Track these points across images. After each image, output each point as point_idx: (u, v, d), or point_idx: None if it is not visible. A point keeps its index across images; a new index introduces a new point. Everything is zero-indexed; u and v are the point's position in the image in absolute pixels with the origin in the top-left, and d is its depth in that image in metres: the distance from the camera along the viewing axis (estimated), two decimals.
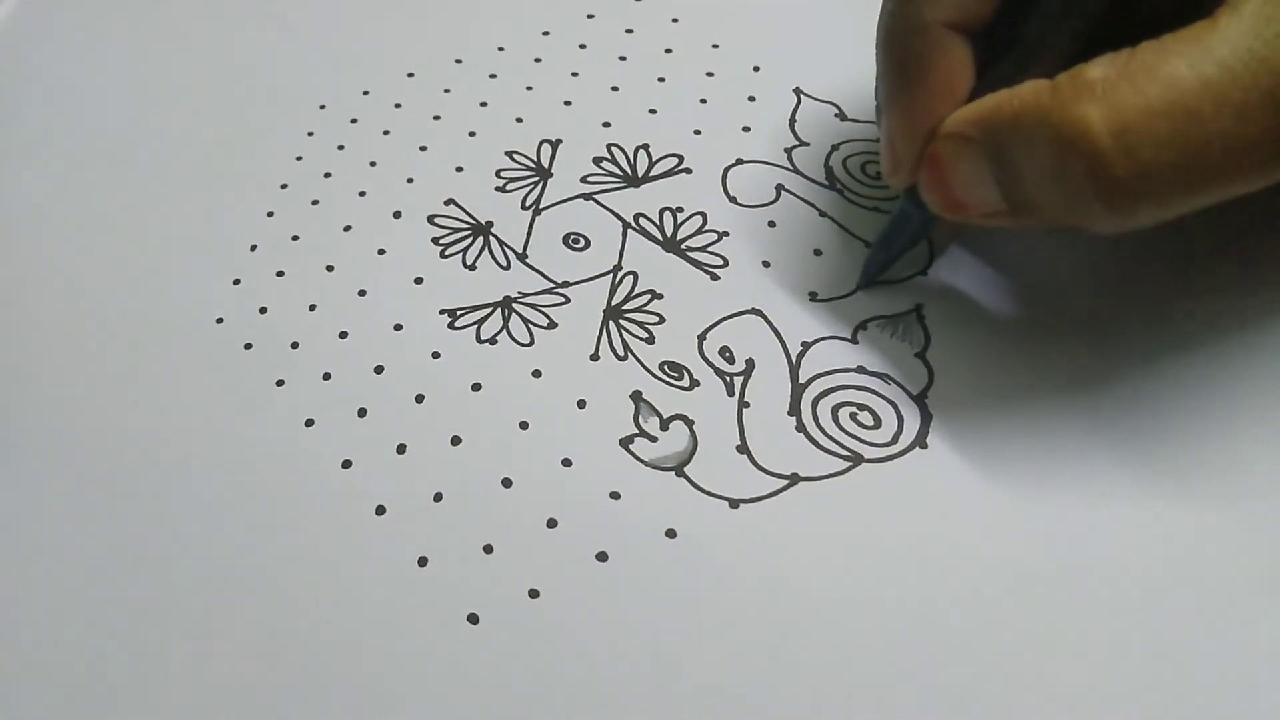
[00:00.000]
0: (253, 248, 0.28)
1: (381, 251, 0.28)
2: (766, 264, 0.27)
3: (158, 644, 0.22)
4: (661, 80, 0.31)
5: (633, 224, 0.28)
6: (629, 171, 0.29)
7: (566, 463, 0.24)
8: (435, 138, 0.30)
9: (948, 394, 0.25)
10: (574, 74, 0.32)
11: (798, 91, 0.31)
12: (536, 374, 0.25)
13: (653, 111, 0.31)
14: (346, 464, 0.24)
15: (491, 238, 0.28)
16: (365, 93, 0.32)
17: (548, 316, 0.26)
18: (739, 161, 0.29)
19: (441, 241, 0.28)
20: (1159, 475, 0.23)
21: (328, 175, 0.30)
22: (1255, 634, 0.21)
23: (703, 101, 0.31)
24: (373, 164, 0.30)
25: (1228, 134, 0.18)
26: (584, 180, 0.29)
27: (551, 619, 0.22)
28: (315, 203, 0.29)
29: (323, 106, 0.31)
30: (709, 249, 0.28)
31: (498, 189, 0.29)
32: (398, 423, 0.25)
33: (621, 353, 0.26)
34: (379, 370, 0.26)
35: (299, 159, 0.30)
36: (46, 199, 0.29)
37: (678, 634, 0.22)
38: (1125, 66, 0.19)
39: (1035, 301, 0.26)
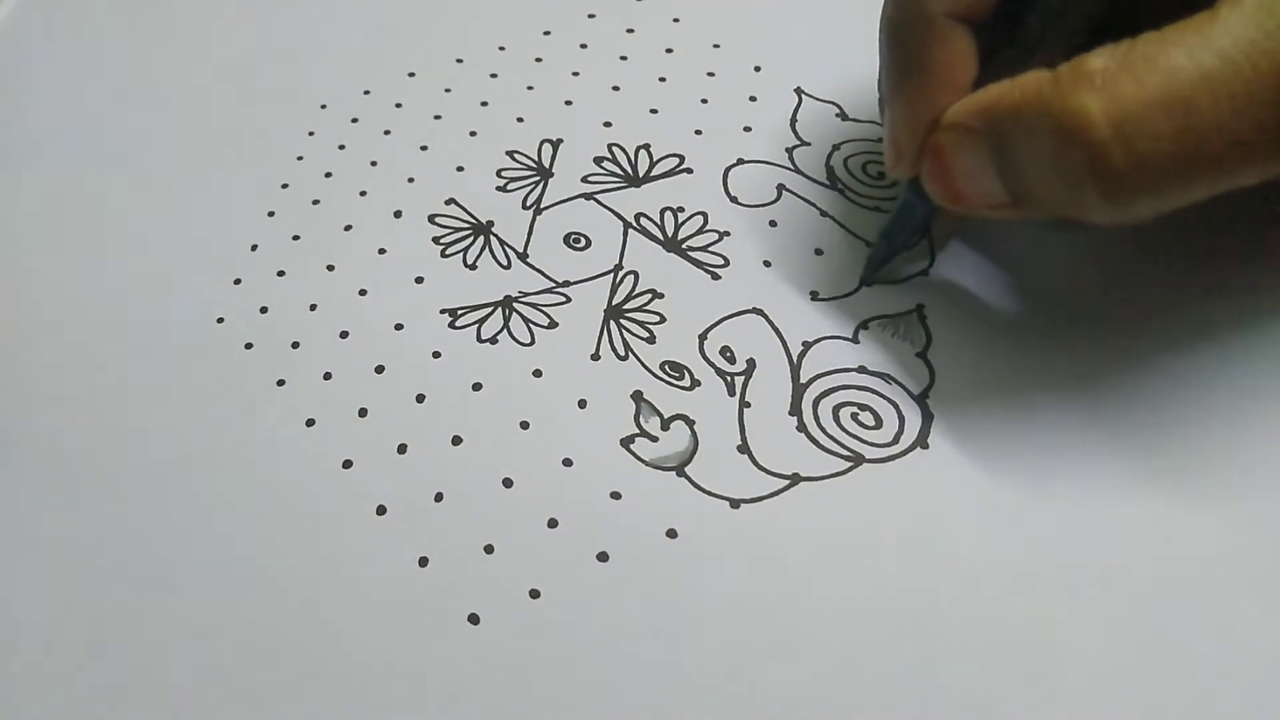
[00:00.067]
0: (253, 247, 0.28)
1: (382, 251, 0.28)
2: (767, 263, 0.27)
3: (158, 644, 0.22)
4: (662, 80, 0.31)
5: (633, 224, 0.28)
6: (630, 171, 0.29)
7: (567, 462, 0.24)
8: (436, 137, 0.30)
9: (949, 394, 0.25)
10: (575, 74, 0.32)
11: (799, 91, 0.31)
12: (537, 374, 0.25)
13: (654, 111, 0.31)
14: (347, 464, 0.24)
15: (492, 237, 0.28)
16: (366, 92, 0.32)
17: (548, 316, 0.26)
18: (740, 161, 0.29)
19: (442, 241, 0.28)
20: (1160, 475, 0.23)
21: (328, 175, 0.30)
22: (1256, 634, 0.21)
23: (704, 101, 0.31)
24: (374, 163, 0.30)
25: (1226, 125, 0.18)
26: (585, 180, 0.29)
27: (552, 619, 0.22)
28: (316, 202, 0.29)
29: (324, 106, 0.31)
30: (710, 249, 0.27)
31: (499, 189, 0.29)
32: (398, 423, 0.25)
33: (622, 352, 0.26)
34: (380, 370, 0.26)
35: (300, 159, 0.30)
36: (46, 199, 0.29)
37: (678, 634, 0.22)
38: (1125, 57, 0.19)
39: (1037, 301, 0.26)
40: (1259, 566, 0.22)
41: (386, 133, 0.30)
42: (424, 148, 0.30)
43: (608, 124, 0.30)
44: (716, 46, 0.32)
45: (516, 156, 0.30)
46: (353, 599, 0.22)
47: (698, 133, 0.30)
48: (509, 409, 0.25)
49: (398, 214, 0.29)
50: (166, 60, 0.33)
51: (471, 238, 0.28)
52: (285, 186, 0.29)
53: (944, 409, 0.24)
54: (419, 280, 0.27)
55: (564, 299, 0.27)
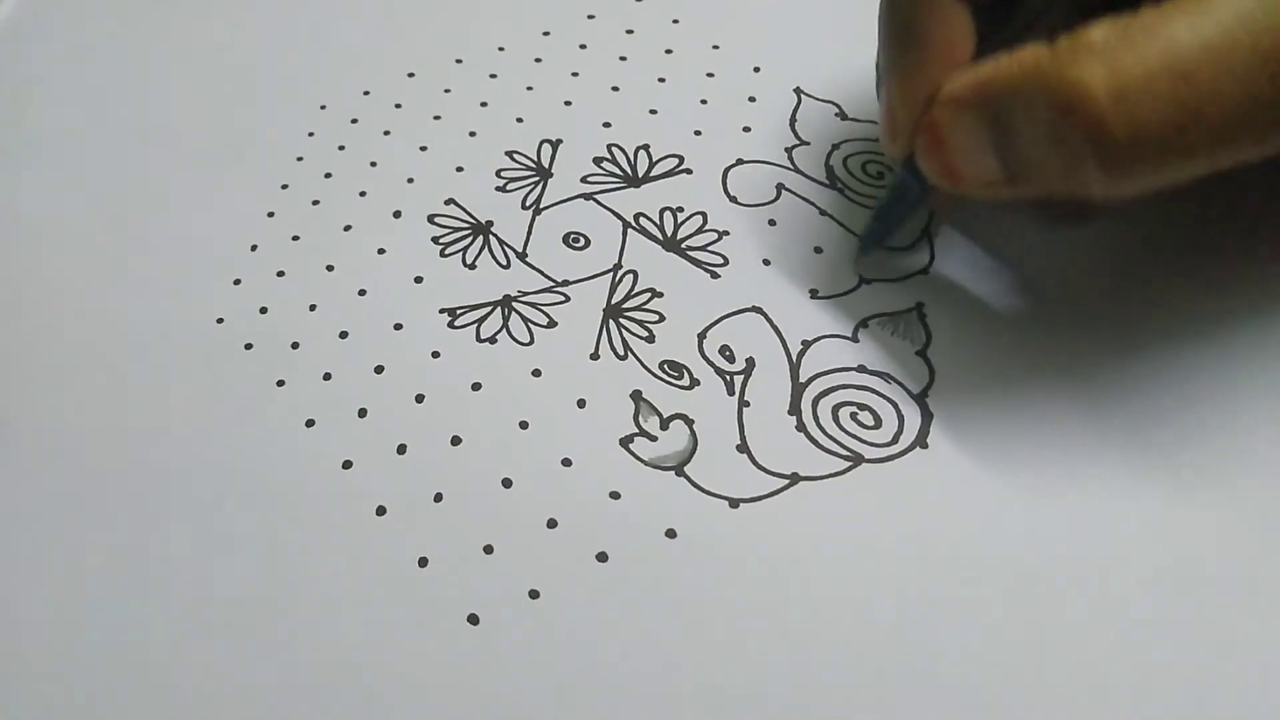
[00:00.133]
0: (253, 248, 0.28)
1: (381, 251, 0.28)
2: (767, 262, 0.27)
3: (157, 644, 0.22)
4: (662, 80, 0.31)
5: (633, 223, 0.28)
6: (629, 172, 0.29)
7: (566, 462, 0.24)
8: (435, 137, 0.30)
9: (949, 392, 0.25)
10: (574, 74, 0.32)
11: (798, 91, 0.31)
12: (536, 373, 0.25)
13: (653, 112, 0.31)
14: (347, 464, 0.24)
15: (491, 237, 0.28)
16: (366, 93, 0.32)
17: (548, 315, 0.26)
18: (739, 161, 0.29)
19: (441, 241, 0.28)
20: (1160, 474, 0.23)
21: (328, 175, 0.30)
22: (1256, 634, 0.21)
23: (703, 102, 0.31)
24: (373, 164, 0.30)
25: (1225, 96, 0.18)
26: (584, 180, 0.29)
27: (551, 619, 0.22)
28: (316, 203, 0.29)
29: (323, 106, 0.31)
30: (709, 248, 0.27)
31: (498, 189, 0.29)
32: (398, 423, 0.25)
33: (621, 352, 0.26)
34: (379, 370, 0.26)
35: (299, 159, 0.30)
36: (46, 199, 0.29)
37: (678, 634, 0.22)
38: (1125, 30, 0.19)
39: (1037, 300, 0.26)
40: (1259, 566, 0.22)
41: (386, 133, 0.31)
42: (423, 148, 0.30)
43: (607, 124, 0.30)
44: (716, 47, 0.32)
45: (516, 157, 0.30)
46: (352, 599, 0.22)
47: (697, 133, 0.30)
48: (508, 409, 0.25)
49: (397, 214, 0.29)
50: (166, 60, 0.33)
51: (471, 237, 0.28)
52: (285, 187, 0.29)
53: (944, 408, 0.24)
54: (418, 280, 0.27)
55: (563, 298, 0.27)
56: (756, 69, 0.31)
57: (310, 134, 0.31)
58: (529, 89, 0.31)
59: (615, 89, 0.31)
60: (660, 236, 0.28)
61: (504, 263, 0.27)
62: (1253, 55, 0.18)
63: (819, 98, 0.30)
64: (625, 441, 0.24)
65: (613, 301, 0.27)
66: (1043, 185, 0.21)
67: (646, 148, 0.30)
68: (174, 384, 0.26)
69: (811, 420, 0.24)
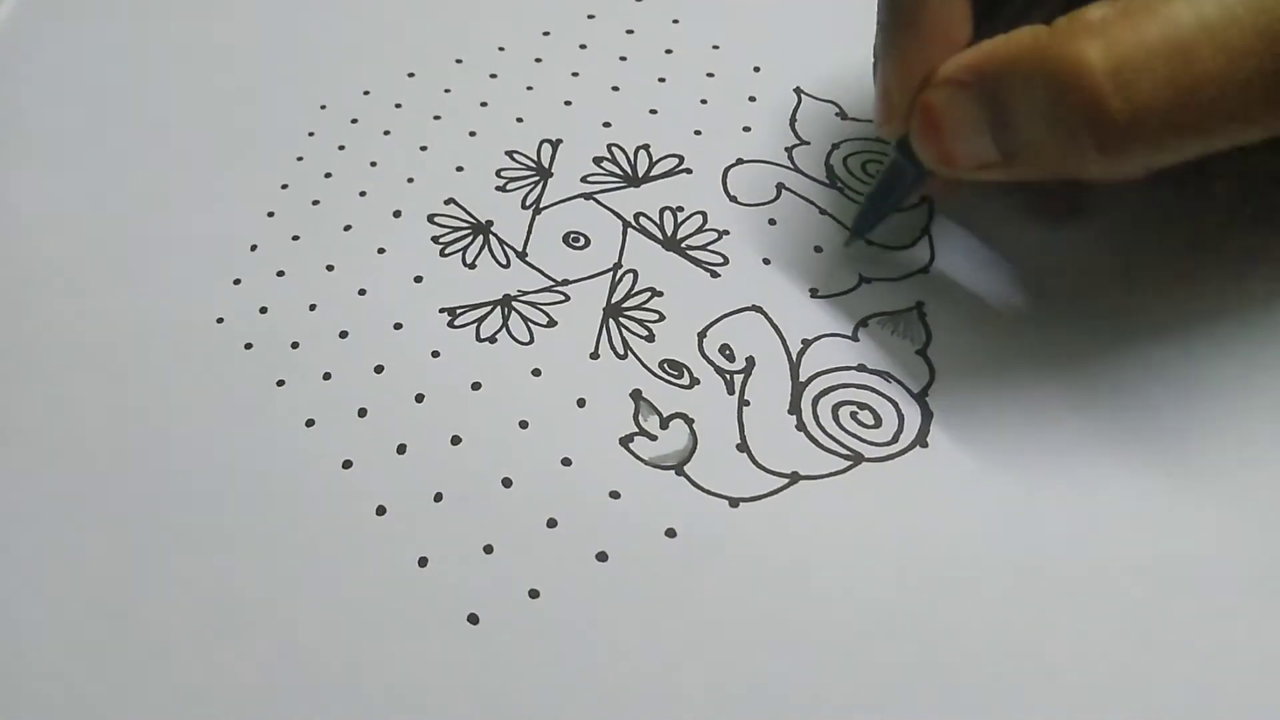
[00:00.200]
0: (253, 248, 0.28)
1: (381, 251, 0.28)
2: (767, 261, 0.27)
3: (157, 644, 0.22)
4: (662, 80, 0.31)
5: (633, 223, 0.28)
6: (629, 171, 0.29)
7: (566, 462, 0.24)
8: (435, 137, 0.30)
9: (949, 391, 0.24)
10: (574, 74, 0.32)
11: (798, 91, 0.31)
12: (536, 373, 0.25)
13: (653, 112, 0.31)
14: (347, 464, 0.24)
15: (491, 236, 0.28)
16: (366, 93, 0.32)
17: (547, 315, 0.26)
18: (739, 161, 0.29)
19: (441, 240, 0.28)
20: (1161, 473, 0.23)
21: (328, 175, 0.30)
22: (1258, 633, 0.21)
23: (703, 102, 0.31)
24: (373, 164, 0.30)
25: (1223, 75, 0.18)
26: (584, 180, 0.29)
27: (551, 619, 0.22)
28: (316, 203, 0.29)
29: (323, 106, 0.31)
30: (709, 247, 0.27)
31: (498, 188, 0.29)
32: (398, 422, 0.25)
33: (621, 351, 0.26)
34: (379, 370, 0.26)
35: (300, 159, 0.30)
36: (46, 199, 0.29)
37: (678, 634, 0.22)
38: (1125, 8, 0.19)
39: (1037, 299, 0.26)
40: (1259, 565, 0.22)
41: (386, 133, 0.31)
42: (423, 148, 0.30)
43: (607, 124, 0.30)
44: (716, 47, 0.32)
45: (516, 156, 0.30)
46: (352, 599, 0.22)
47: (697, 133, 0.30)
48: (508, 408, 0.25)
49: (397, 214, 0.29)
50: (166, 60, 0.33)
51: (471, 237, 0.28)
52: (285, 187, 0.29)
53: (944, 407, 0.24)
54: (418, 280, 0.27)
55: (563, 298, 0.27)
56: (756, 69, 0.31)
57: (310, 134, 0.31)
58: (529, 89, 0.31)
59: (615, 89, 0.31)
60: (660, 236, 0.28)
61: (504, 262, 0.27)
62: (1252, 34, 0.18)
63: (819, 97, 0.30)
64: (625, 441, 0.24)
65: (613, 301, 0.27)
66: (1039, 167, 0.21)
67: (646, 147, 0.30)
68: (174, 384, 0.26)
69: (811, 419, 0.24)
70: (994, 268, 0.26)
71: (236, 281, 0.27)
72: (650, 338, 0.26)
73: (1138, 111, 0.19)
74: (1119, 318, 0.25)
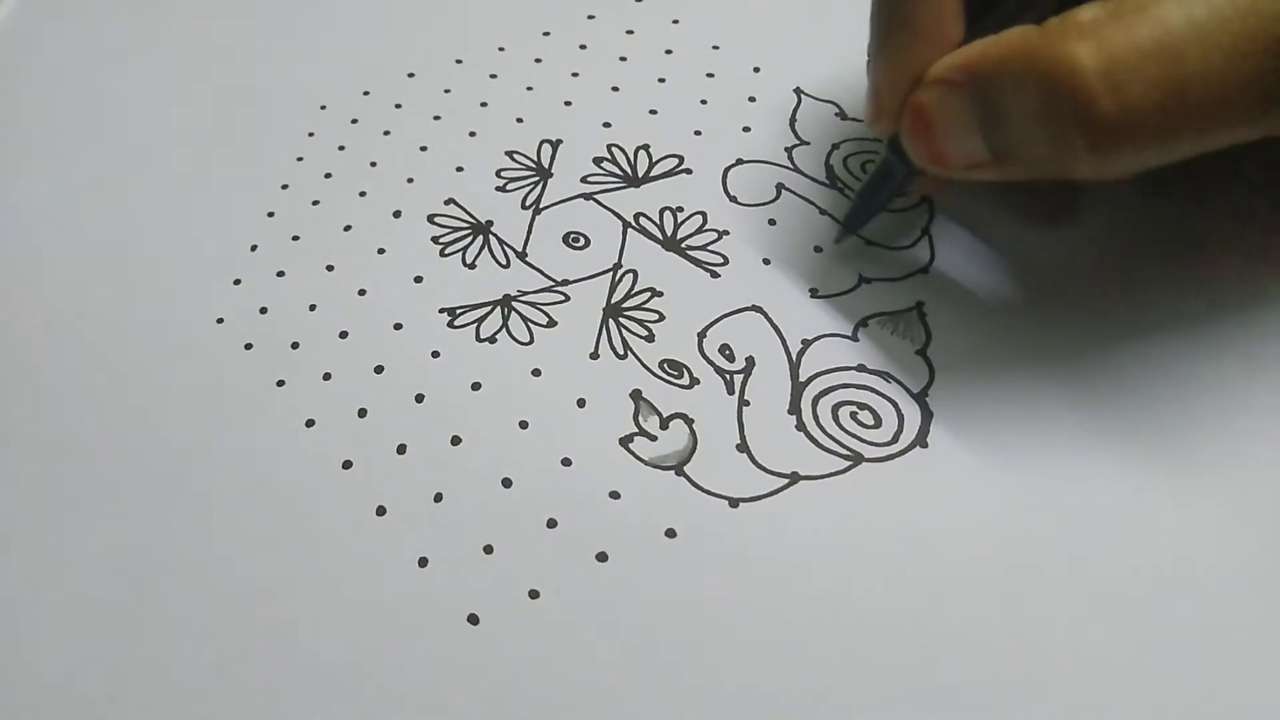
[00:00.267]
0: (253, 248, 0.28)
1: (381, 251, 0.28)
2: (767, 261, 0.27)
3: (157, 644, 0.22)
4: (662, 81, 0.31)
5: (633, 223, 0.28)
6: (629, 172, 0.29)
7: (566, 462, 0.24)
8: (435, 138, 0.30)
9: (949, 392, 0.24)
10: (574, 74, 0.32)
11: (798, 91, 0.31)
12: (536, 373, 0.25)
13: (653, 112, 0.31)
14: (347, 464, 0.24)
15: (491, 237, 0.28)
16: (366, 93, 0.32)
17: (547, 315, 0.26)
18: (739, 161, 0.29)
19: (441, 240, 0.28)
20: (1162, 473, 0.23)
21: (328, 175, 0.30)
22: (1258, 633, 0.21)
23: (703, 102, 0.31)
24: (373, 164, 0.30)
25: (1213, 76, 0.18)
26: (584, 180, 0.29)
27: (551, 619, 0.22)
28: (316, 203, 0.29)
29: (323, 107, 0.31)
30: (709, 247, 0.27)
31: (498, 189, 0.29)
32: (398, 423, 0.25)
33: (621, 351, 0.26)
34: (379, 370, 0.26)
35: (300, 159, 0.30)
36: (46, 199, 0.29)
37: (678, 634, 0.22)
38: (1116, 9, 0.19)
39: (1037, 299, 0.26)
40: (1260, 565, 0.22)
41: (386, 133, 0.31)
42: (423, 148, 0.30)
43: (607, 124, 0.30)
44: (716, 48, 0.32)
45: (516, 157, 0.30)
46: (352, 599, 0.22)
47: (697, 133, 0.30)
48: (508, 408, 0.25)
49: (397, 214, 0.29)
50: (166, 60, 0.33)
51: (471, 237, 0.28)
52: (285, 187, 0.29)
53: (944, 407, 0.24)
54: (418, 280, 0.27)
55: (563, 298, 0.27)
56: (756, 69, 0.31)
57: (310, 134, 0.31)
58: (529, 89, 0.31)
59: (615, 89, 0.31)
60: (660, 236, 0.28)
61: (504, 262, 0.27)
62: (1242, 36, 0.18)
63: (819, 98, 0.30)
64: (625, 441, 0.24)
65: (612, 301, 0.27)
66: (1030, 167, 0.21)
67: (646, 148, 0.30)
68: (174, 384, 0.26)
69: (811, 419, 0.24)
70: (994, 268, 0.26)
71: (236, 282, 0.27)
72: (650, 338, 0.26)
73: (1128, 112, 0.19)
74: (1119, 317, 0.25)
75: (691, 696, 0.21)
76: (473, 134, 0.30)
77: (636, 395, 0.25)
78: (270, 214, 0.29)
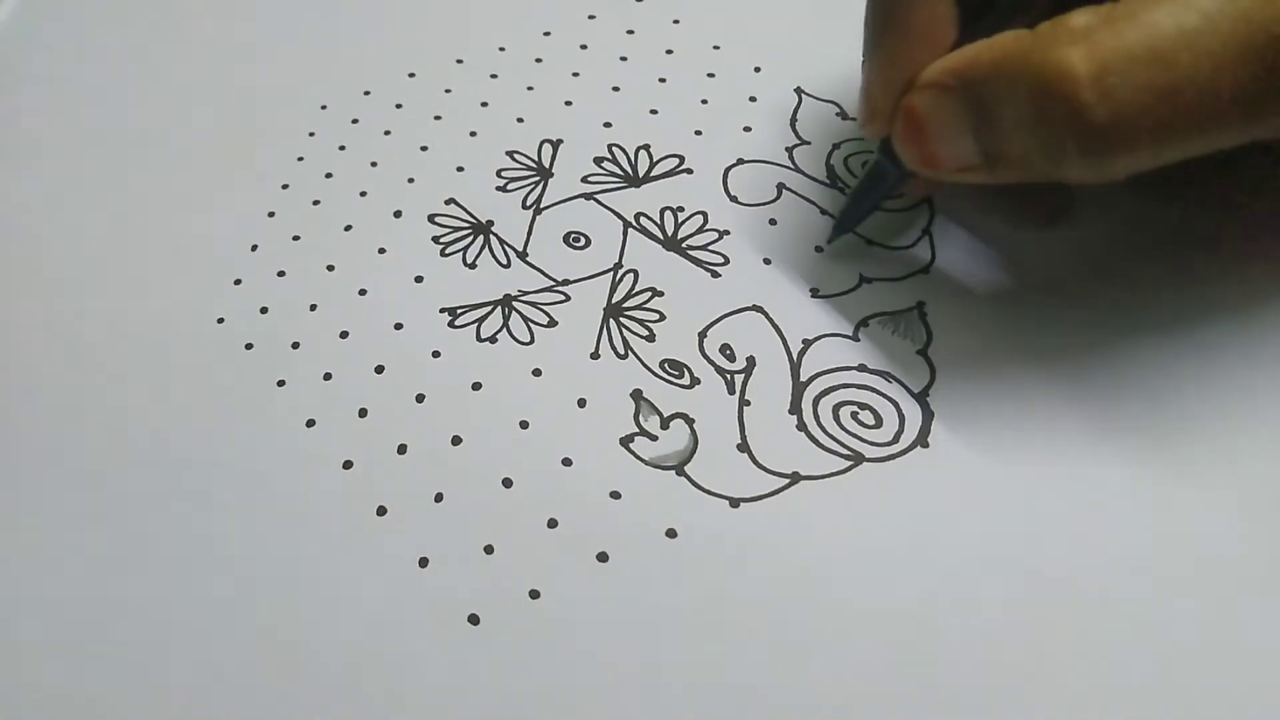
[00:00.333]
0: (254, 248, 0.28)
1: (382, 251, 0.28)
2: (767, 261, 0.27)
3: (157, 644, 0.22)
4: (662, 81, 0.31)
5: (633, 223, 0.28)
6: (630, 172, 0.29)
7: (567, 462, 0.24)
8: (436, 138, 0.30)
9: (949, 391, 0.24)
10: (575, 74, 0.32)
11: (798, 91, 0.31)
12: (537, 373, 0.25)
13: (654, 112, 0.31)
14: (347, 464, 0.24)
15: (492, 236, 0.28)
16: (366, 93, 0.32)
17: (548, 315, 0.26)
18: (740, 161, 0.29)
19: (442, 240, 0.28)
20: (1163, 473, 0.23)
21: (329, 175, 0.30)
22: (1257, 633, 0.21)
23: (704, 102, 0.31)
24: (374, 164, 0.30)
25: (1204, 82, 0.19)
26: (585, 180, 0.29)
27: (551, 619, 0.22)
28: (316, 203, 0.29)
29: (324, 107, 0.31)
30: (710, 247, 0.27)
31: (498, 189, 0.29)
32: (398, 423, 0.25)
33: (622, 351, 0.26)
34: (379, 370, 0.26)
35: (300, 159, 0.30)
36: (46, 199, 0.29)
37: (678, 634, 0.22)
38: (1107, 15, 0.19)
39: (1038, 298, 0.26)
40: (1261, 564, 0.22)
41: (387, 133, 0.31)
42: (424, 148, 0.30)
43: (608, 124, 0.30)
44: (716, 48, 0.32)
45: (516, 157, 0.30)
46: (352, 599, 0.22)
47: (698, 133, 0.30)
48: (509, 408, 0.25)
49: (397, 214, 0.29)
50: (166, 60, 0.33)
51: (471, 237, 0.28)
52: (285, 187, 0.29)
53: (944, 407, 0.24)
54: (419, 280, 0.27)
55: (563, 298, 0.27)
56: (757, 69, 0.31)
57: (311, 134, 0.31)
58: (529, 89, 0.31)
59: (616, 89, 0.31)
60: (661, 236, 0.28)
61: (504, 262, 0.27)
62: (1232, 42, 0.18)
63: (819, 97, 0.30)
64: (625, 441, 0.24)
65: (613, 301, 0.27)
66: (1022, 170, 0.21)
67: (647, 148, 0.30)
68: (174, 384, 0.26)
69: (812, 419, 0.24)
70: (994, 268, 0.26)
71: (237, 282, 0.27)
72: (651, 338, 0.26)
73: (1119, 116, 0.19)
74: (1119, 317, 0.25)
75: (691, 696, 0.21)
76: (473, 134, 0.30)
77: (637, 395, 0.25)
78: (271, 214, 0.29)
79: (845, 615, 0.22)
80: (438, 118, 0.31)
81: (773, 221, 0.28)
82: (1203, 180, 0.25)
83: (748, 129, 0.30)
